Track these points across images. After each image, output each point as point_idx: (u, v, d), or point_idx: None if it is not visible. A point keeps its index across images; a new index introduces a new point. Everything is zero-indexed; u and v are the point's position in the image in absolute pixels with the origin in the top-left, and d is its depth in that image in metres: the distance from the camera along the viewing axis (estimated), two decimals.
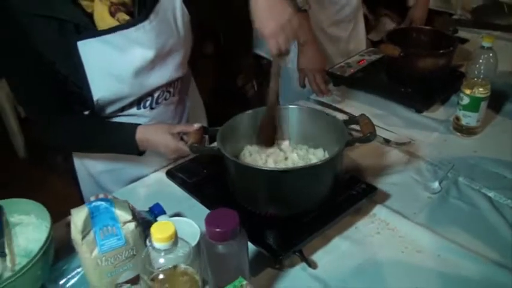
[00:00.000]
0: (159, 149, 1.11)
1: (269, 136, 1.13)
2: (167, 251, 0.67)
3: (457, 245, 0.99)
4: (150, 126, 1.14)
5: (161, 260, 0.67)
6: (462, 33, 1.98)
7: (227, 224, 0.76)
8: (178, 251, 0.68)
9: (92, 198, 1.02)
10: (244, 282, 0.72)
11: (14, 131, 3.07)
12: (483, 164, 1.25)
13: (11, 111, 3.01)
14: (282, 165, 1.08)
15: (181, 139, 1.10)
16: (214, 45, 3.34)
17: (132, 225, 0.82)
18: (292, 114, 1.17)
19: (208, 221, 0.77)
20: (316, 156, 1.11)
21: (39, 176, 2.84)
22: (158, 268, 0.68)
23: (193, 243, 0.85)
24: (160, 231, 0.66)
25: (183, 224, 0.91)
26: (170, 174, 1.23)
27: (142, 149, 1.13)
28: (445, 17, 2.32)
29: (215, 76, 3.32)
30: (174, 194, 1.18)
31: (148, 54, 1.09)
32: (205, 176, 1.19)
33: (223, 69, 3.34)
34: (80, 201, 1.35)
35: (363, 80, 1.61)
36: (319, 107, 1.49)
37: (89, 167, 1.30)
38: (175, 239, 0.67)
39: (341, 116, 1.41)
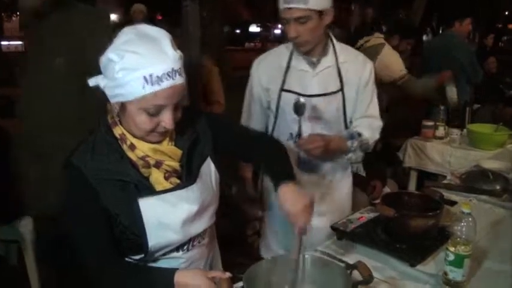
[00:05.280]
0: None
1: None
2: None
3: None
4: (188, 271, 1.29)
5: None
6: (452, 196, 2.25)
7: None
8: None
9: None
10: None
11: (32, 269, 3.23)
12: None
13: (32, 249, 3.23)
14: None
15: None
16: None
17: None
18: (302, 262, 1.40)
19: None
20: None
21: None
22: None
23: None
24: None
25: None
26: None
27: None
28: (438, 180, 2.62)
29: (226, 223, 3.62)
30: None
31: (193, 208, 1.36)
32: None
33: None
34: None
35: (362, 235, 1.82)
36: (324, 257, 1.70)
37: None
38: None
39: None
